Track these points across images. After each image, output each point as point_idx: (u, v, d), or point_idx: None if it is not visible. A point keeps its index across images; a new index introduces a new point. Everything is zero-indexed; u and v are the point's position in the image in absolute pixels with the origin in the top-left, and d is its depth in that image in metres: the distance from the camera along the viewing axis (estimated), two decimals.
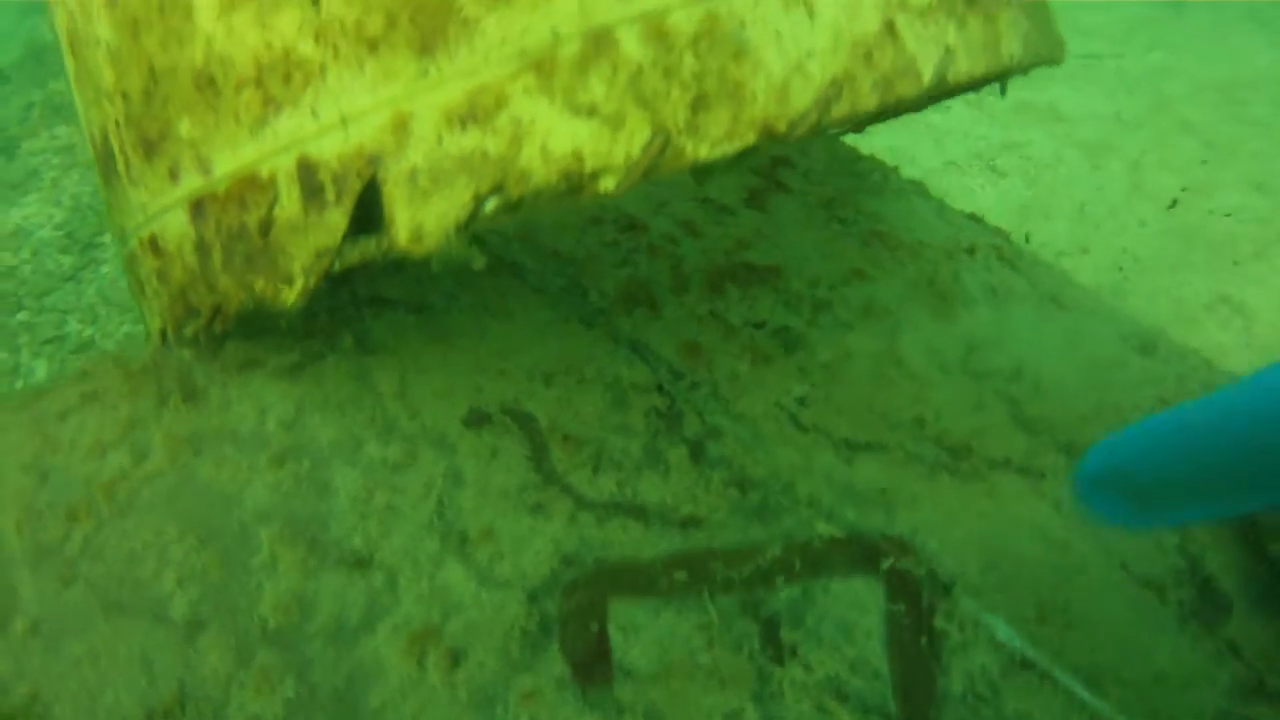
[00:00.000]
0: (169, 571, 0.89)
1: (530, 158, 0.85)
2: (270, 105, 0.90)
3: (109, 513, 0.94)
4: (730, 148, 0.86)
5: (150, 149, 0.96)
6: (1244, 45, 2.93)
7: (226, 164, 0.93)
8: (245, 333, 1.05)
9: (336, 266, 0.90)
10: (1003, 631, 0.98)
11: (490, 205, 0.87)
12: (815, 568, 0.99)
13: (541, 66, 0.84)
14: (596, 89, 0.85)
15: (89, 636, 0.87)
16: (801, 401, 1.16)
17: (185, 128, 0.93)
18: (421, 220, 0.87)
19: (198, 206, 0.93)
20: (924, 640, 0.95)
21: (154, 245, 1.00)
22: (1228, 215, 2.43)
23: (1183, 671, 1.01)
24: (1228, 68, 2.86)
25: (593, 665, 0.86)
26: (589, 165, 0.85)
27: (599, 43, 0.85)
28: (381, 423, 1.00)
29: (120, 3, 0.94)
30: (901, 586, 1.00)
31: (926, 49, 0.92)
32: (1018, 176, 2.54)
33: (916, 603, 0.99)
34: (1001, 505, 1.13)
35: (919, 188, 1.64)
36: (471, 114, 0.85)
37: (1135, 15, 3.16)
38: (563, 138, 0.85)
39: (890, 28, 0.91)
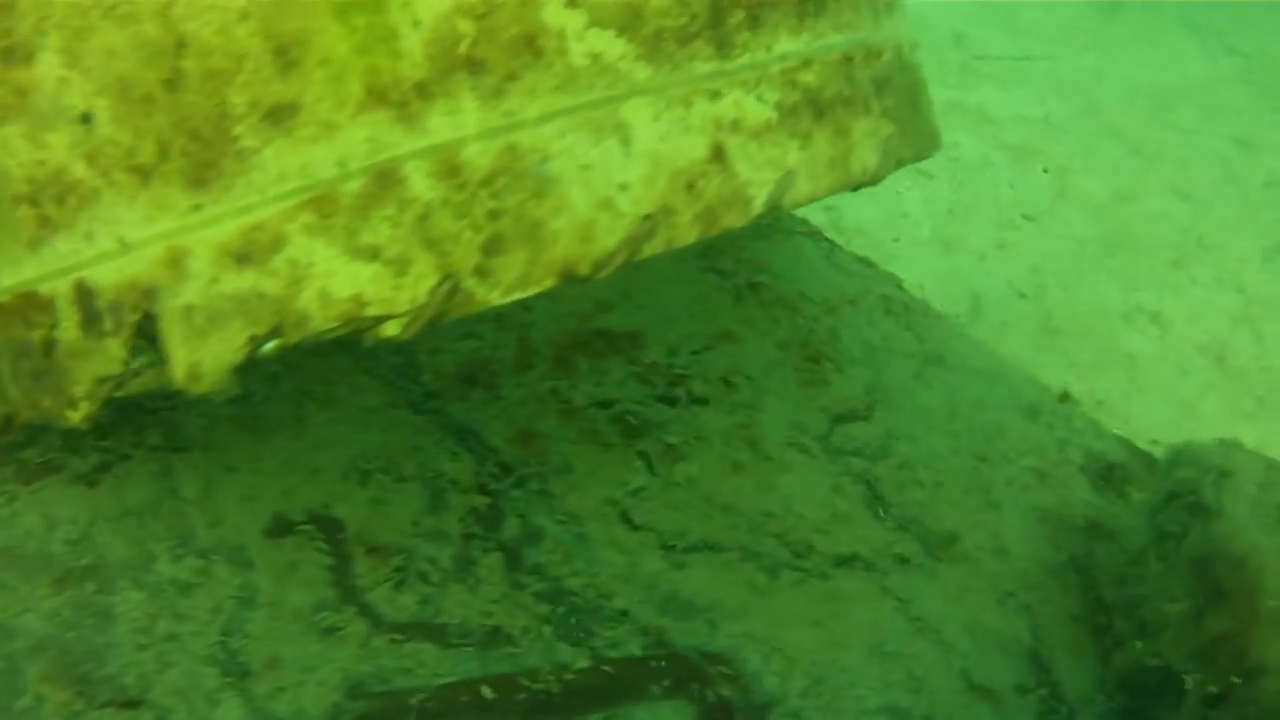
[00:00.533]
0: None
1: (309, 301, 0.83)
2: (46, 225, 0.87)
3: None
4: (525, 292, 0.84)
5: None
6: (1176, 50, 2.91)
7: (8, 278, 0.90)
8: (44, 429, 1.03)
9: (120, 393, 0.88)
10: None
11: (268, 347, 0.84)
12: (622, 693, 0.99)
13: (322, 205, 0.81)
14: (381, 230, 0.82)
15: None
16: (636, 494, 1.15)
17: None
18: (199, 360, 0.84)
19: None
20: None
21: None
22: (1150, 222, 2.43)
23: None
24: (1158, 73, 2.84)
25: None
26: (371, 310, 0.82)
27: (384, 180, 0.82)
28: (178, 534, 0.99)
29: None
30: (713, 714, 1.01)
31: (761, 173, 0.88)
32: (945, 179, 2.51)
33: None
34: (839, 610, 1.14)
35: (809, 228, 1.61)
36: (247, 253, 0.83)
37: (1071, 15, 3.11)
38: (343, 281, 0.82)
39: (719, 153, 0.88)
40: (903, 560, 1.20)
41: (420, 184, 0.81)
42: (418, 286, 0.82)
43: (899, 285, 1.56)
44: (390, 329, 0.83)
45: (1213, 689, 1.04)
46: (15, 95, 0.85)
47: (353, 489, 1.04)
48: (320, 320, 0.82)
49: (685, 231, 0.86)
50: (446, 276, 0.82)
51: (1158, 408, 2.08)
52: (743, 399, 1.28)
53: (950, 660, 1.12)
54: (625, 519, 1.12)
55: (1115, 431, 1.49)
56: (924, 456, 1.32)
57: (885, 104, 0.99)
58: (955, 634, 1.15)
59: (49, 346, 0.90)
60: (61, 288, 0.86)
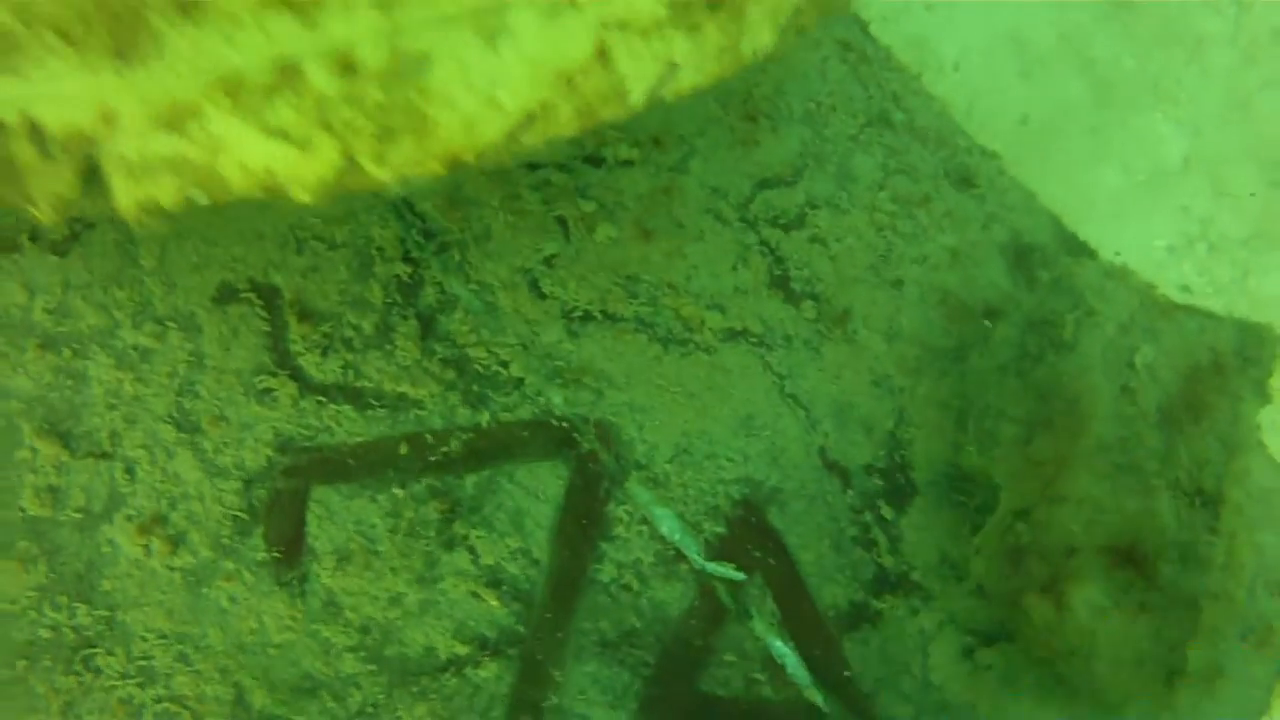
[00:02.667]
0: None
1: (228, 168, 1.06)
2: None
3: None
4: (417, 173, 1.07)
5: None
6: None
7: None
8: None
9: (79, 213, 1.14)
10: (666, 525, 1.36)
11: (202, 200, 1.09)
12: (506, 453, 1.33)
13: (231, 88, 1.02)
14: (285, 114, 1.03)
15: None
16: (548, 262, 1.41)
17: None
18: (139, 198, 1.09)
19: None
20: (589, 531, 1.33)
21: None
22: None
23: (830, 564, 1.40)
24: None
25: (289, 551, 1.25)
26: (283, 181, 1.06)
27: (286, 72, 1.02)
28: (138, 302, 1.28)
29: None
30: (584, 475, 1.35)
31: (643, 67, 1.06)
32: None
33: (594, 491, 1.35)
34: (718, 383, 1.44)
35: None
36: (171, 121, 1.05)
37: None
38: (257, 154, 1.05)
39: (603, 52, 1.05)
40: (790, 337, 1.47)
41: (318, 76, 1.01)
42: (321, 164, 1.04)
43: (863, 29, 1.67)
44: (301, 196, 1.07)
45: (1021, 506, 1.36)
46: None
47: (290, 256, 1.30)
48: (240, 184, 1.05)
49: (564, 125, 1.05)
50: (344, 156, 1.04)
51: None
52: (669, 160, 1.48)
53: (812, 437, 1.43)
54: (534, 287, 1.39)
55: (1050, 209, 1.69)
56: (839, 229, 1.54)
57: None
58: (823, 412, 1.45)
59: (10, 159, 1.14)
60: (12, 117, 1.09)
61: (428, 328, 1.32)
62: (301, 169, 1.00)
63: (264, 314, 1.29)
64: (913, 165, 1.60)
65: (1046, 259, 1.61)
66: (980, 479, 1.39)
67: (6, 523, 1.17)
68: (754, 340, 1.44)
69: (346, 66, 0.97)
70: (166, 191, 1.03)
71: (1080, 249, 1.65)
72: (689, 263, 1.44)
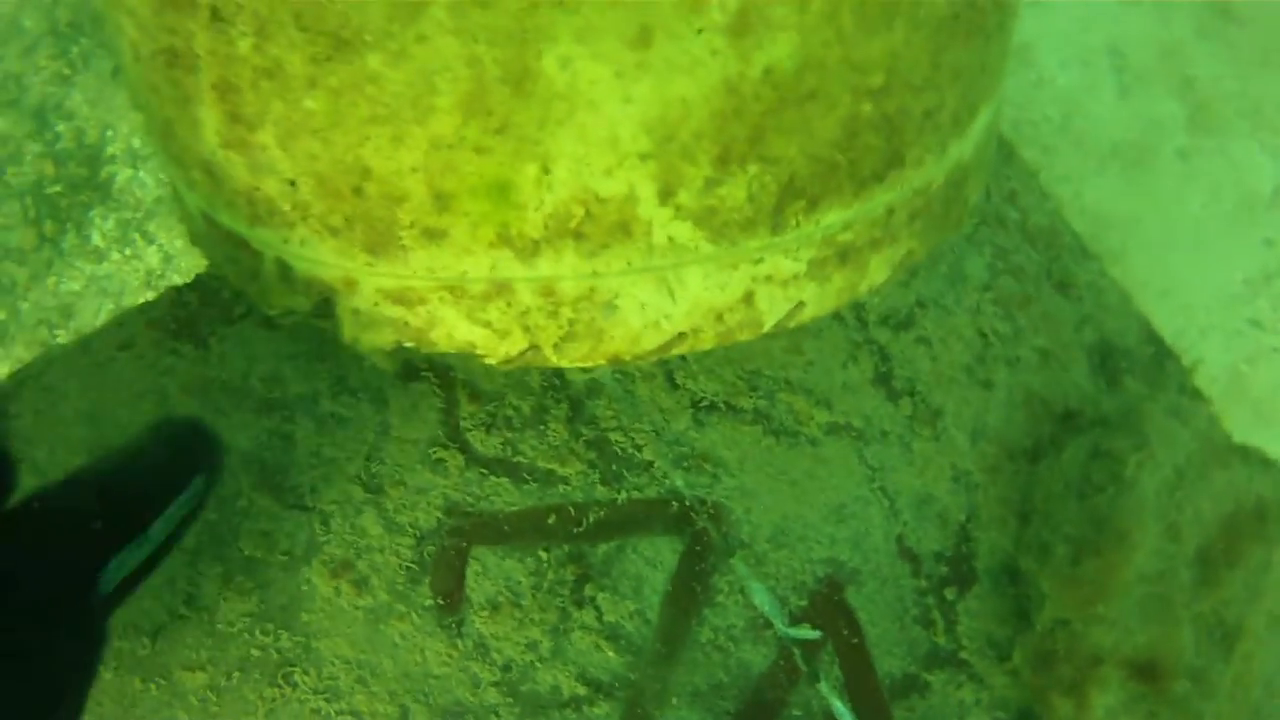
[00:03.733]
0: None
1: (438, 336, 1.43)
2: (258, 220, 1.46)
3: None
4: (584, 364, 1.44)
5: None
6: None
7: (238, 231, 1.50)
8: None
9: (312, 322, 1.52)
10: (759, 598, 1.76)
11: (410, 348, 1.48)
12: (633, 526, 1.74)
13: (454, 290, 1.39)
14: (493, 313, 1.40)
15: None
16: (683, 357, 1.78)
17: None
18: (359, 338, 1.48)
19: None
20: (695, 598, 1.74)
21: None
22: None
23: (893, 638, 1.80)
24: None
25: (450, 599, 1.67)
26: (479, 352, 1.44)
27: (500, 287, 1.39)
28: (335, 375, 1.67)
29: None
30: (696, 549, 1.76)
31: (777, 306, 1.41)
32: None
33: (703, 564, 1.76)
34: (817, 473, 1.81)
35: None
36: (400, 299, 1.42)
37: None
38: (463, 332, 1.43)
39: (749, 296, 1.40)
40: (886, 433, 1.83)
41: (524, 295, 1.37)
42: (510, 348, 1.42)
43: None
44: (491, 363, 1.45)
45: (1061, 616, 1.74)
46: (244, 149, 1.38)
47: None
48: (444, 347, 1.43)
49: (704, 341, 1.41)
50: (531, 346, 1.41)
51: None
52: None
53: (892, 525, 1.81)
54: (669, 379, 1.76)
55: (1140, 312, 2.00)
56: (943, 332, 1.88)
57: (916, 226, 1.44)
58: (906, 503, 1.82)
59: (257, 273, 1.52)
60: (269, 255, 1.47)
61: (576, 411, 1.70)
62: (496, 347, 1.37)
63: (440, 392, 1.67)
64: (1019, 266, 1.91)
65: (1131, 363, 1.94)
66: (1033, 581, 1.76)
67: (228, 559, 1.60)
68: (854, 434, 1.79)
69: (548, 292, 1.33)
70: (384, 337, 1.41)
71: (1164, 355, 1.97)
72: (805, 359, 1.78)
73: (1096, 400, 1.82)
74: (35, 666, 1.04)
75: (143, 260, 2.50)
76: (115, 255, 2.60)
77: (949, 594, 1.70)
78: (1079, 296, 1.89)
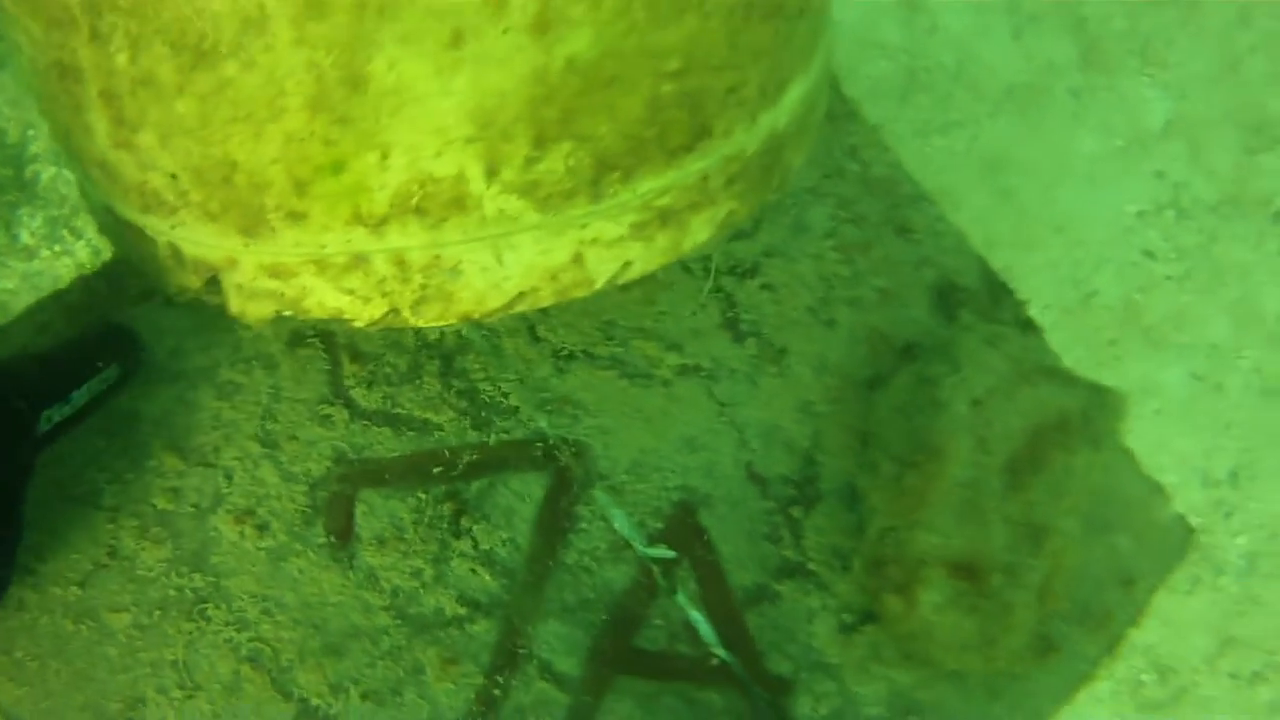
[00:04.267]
0: (101, 477, 1.93)
1: (310, 304, 1.71)
2: (148, 208, 1.73)
3: None
4: (440, 323, 1.73)
5: None
6: None
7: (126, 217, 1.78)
8: None
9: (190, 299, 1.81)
10: (619, 523, 2.07)
11: (289, 316, 1.77)
12: (502, 465, 2.03)
13: (319, 264, 1.68)
14: (354, 281, 1.69)
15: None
16: (544, 311, 2.07)
17: None
18: (244, 311, 1.76)
19: None
20: (560, 525, 2.04)
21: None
22: None
23: (744, 554, 2.11)
24: None
25: (341, 536, 1.97)
26: (346, 317, 1.73)
27: (358, 259, 1.67)
28: (231, 346, 1.96)
29: None
30: (560, 482, 2.06)
31: (606, 266, 1.70)
32: None
33: (567, 495, 2.06)
34: (670, 411, 2.10)
35: None
36: (275, 273, 1.71)
37: None
38: (331, 300, 1.71)
39: (579, 258, 1.69)
40: (733, 371, 2.13)
41: (380, 265, 1.65)
42: (373, 312, 1.70)
43: (835, 86, 2.25)
44: (357, 324, 1.74)
45: (888, 525, 2.06)
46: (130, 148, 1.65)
47: None
48: (317, 313, 1.72)
49: (544, 298, 1.69)
50: (391, 309, 1.70)
51: None
52: None
53: (741, 454, 2.11)
54: (531, 333, 2.05)
55: (977, 251, 2.30)
56: (787, 277, 2.18)
57: (734, 190, 1.73)
58: (753, 434, 2.11)
59: (155, 259, 1.79)
60: (163, 238, 1.75)
61: (448, 366, 1.99)
62: (360, 312, 1.65)
63: (325, 355, 1.95)
64: (861, 215, 2.22)
65: (968, 299, 2.25)
66: (867, 496, 2.08)
67: (143, 514, 1.89)
68: (703, 374, 2.09)
69: (399, 262, 1.62)
70: (264, 307, 1.69)
71: (999, 290, 2.28)
72: (657, 309, 2.08)
73: (934, 334, 2.12)
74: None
75: (73, 255, 2.73)
76: (45, 252, 2.84)
77: (795, 513, 2.00)
78: (918, 240, 2.18)
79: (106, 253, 2.49)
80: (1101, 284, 3.13)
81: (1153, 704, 2.80)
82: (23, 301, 2.52)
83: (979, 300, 2.14)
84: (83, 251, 2.68)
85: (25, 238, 2.72)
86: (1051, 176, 3.14)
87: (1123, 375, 2.73)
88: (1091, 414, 1.97)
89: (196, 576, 1.78)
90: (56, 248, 2.74)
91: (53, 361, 1.78)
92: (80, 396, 1.72)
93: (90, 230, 2.68)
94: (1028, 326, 2.18)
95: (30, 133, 2.83)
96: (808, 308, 2.04)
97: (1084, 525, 1.96)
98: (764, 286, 2.03)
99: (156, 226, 1.61)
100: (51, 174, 2.89)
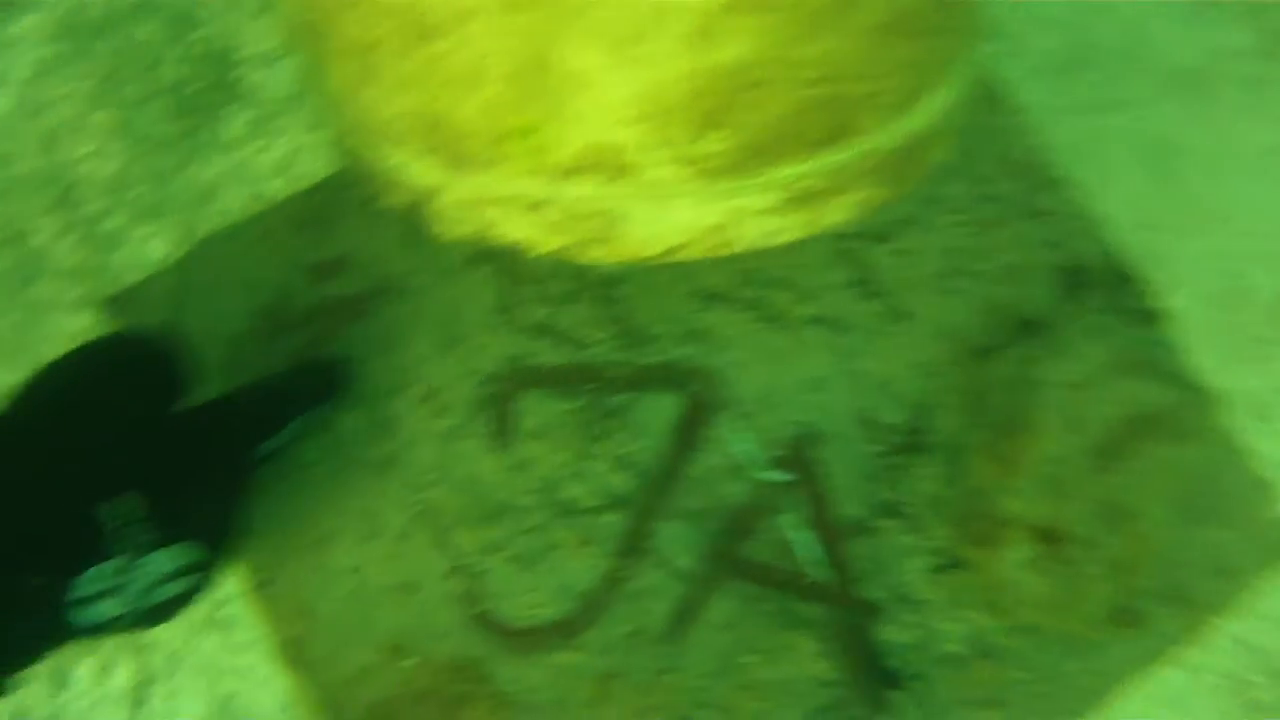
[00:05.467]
0: None
1: (497, 232, 2.02)
2: (379, 138, 2.11)
3: None
4: (602, 261, 2.07)
5: None
6: None
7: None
8: None
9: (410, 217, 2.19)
10: (739, 447, 2.41)
11: (478, 240, 2.13)
12: (645, 384, 2.39)
13: (509, 201, 2.03)
14: (535, 219, 2.03)
15: None
16: None
17: None
18: (443, 229, 2.14)
19: None
20: (689, 442, 2.40)
21: None
22: None
23: (850, 489, 2.43)
24: None
25: (503, 427, 2.36)
26: (526, 247, 2.09)
27: (541, 202, 2.02)
28: (424, 258, 2.36)
29: None
30: (694, 404, 2.41)
31: (750, 232, 2.01)
32: None
33: (699, 416, 2.41)
34: (798, 353, 2.41)
35: None
36: (471, 203, 2.07)
37: None
38: (515, 231, 2.04)
39: (727, 223, 2.00)
40: (857, 325, 2.43)
41: (557, 208, 1.97)
42: (548, 245, 2.04)
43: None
44: (535, 255, 2.09)
45: (980, 486, 2.35)
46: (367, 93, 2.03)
47: None
48: (502, 242, 2.08)
49: (693, 253, 2.02)
50: (563, 245, 2.05)
51: None
52: None
53: (856, 400, 2.41)
54: (680, 272, 2.39)
55: (1109, 237, 2.52)
56: (918, 245, 2.46)
57: (871, 179, 2.01)
58: (869, 384, 2.40)
59: (375, 177, 2.18)
60: (385, 164, 2.12)
61: (604, 293, 2.35)
62: (538, 244, 2.00)
63: (500, 274, 2.34)
64: (996, 194, 2.47)
65: (1094, 282, 2.49)
66: (965, 456, 2.37)
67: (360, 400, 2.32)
68: (830, 325, 2.38)
69: (575, 209, 1.96)
70: (459, 229, 2.05)
71: (1124, 278, 2.51)
72: (794, 262, 2.39)
73: (1052, 313, 2.37)
74: (222, 488, 1.76)
75: (272, 152, 3.12)
76: (246, 148, 3.24)
77: (899, 459, 2.30)
78: (1049, 222, 2.41)
79: (306, 151, 2.87)
80: (1258, 279, 3.14)
81: (1261, 706, 2.91)
82: (228, 190, 2.92)
83: (1102, 285, 2.36)
84: (282, 149, 3.04)
85: (229, 133, 3.10)
86: (1217, 165, 3.17)
87: (1268, 374, 2.81)
88: (1183, 411, 2.20)
89: (385, 443, 2.17)
90: (258, 144, 3.11)
91: (270, 397, 2.06)
92: (289, 433, 2.03)
93: (291, 130, 3.05)
94: (1149, 316, 2.39)
95: (236, 40, 3.17)
96: (934, 275, 2.31)
97: (1174, 513, 2.19)
98: (895, 252, 2.31)
99: (382, 153, 1.97)
100: (256, 78, 3.25)
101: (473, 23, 1.68)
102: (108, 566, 1.40)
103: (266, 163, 3.14)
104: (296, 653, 2.06)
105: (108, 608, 1.42)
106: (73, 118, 3.65)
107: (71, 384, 1.59)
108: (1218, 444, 2.30)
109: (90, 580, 1.38)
